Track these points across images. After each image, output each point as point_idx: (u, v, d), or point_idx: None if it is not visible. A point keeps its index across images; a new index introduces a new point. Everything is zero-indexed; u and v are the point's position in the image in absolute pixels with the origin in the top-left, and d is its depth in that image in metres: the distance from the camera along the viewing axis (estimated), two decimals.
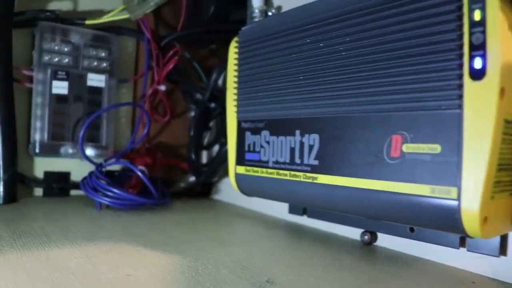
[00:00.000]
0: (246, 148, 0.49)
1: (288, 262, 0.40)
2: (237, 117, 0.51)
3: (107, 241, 0.43)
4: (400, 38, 0.34)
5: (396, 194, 0.34)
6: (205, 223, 0.55)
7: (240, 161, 0.50)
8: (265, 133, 0.47)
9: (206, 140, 0.72)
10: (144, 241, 0.44)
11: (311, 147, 0.42)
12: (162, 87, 0.70)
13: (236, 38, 0.52)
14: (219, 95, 0.68)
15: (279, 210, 0.60)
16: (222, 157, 0.65)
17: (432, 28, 0.32)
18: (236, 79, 0.51)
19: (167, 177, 0.74)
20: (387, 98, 0.35)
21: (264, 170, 0.47)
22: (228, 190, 0.73)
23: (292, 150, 0.44)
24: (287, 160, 0.44)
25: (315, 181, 0.41)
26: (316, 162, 0.41)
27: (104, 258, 0.37)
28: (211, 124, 0.71)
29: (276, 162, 0.45)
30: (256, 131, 0.48)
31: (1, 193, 0.59)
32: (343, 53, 0.39)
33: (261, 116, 0.47)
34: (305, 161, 0.42)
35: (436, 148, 0.32)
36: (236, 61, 0.51)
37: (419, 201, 0.33)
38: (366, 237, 0.46)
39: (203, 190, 0.76)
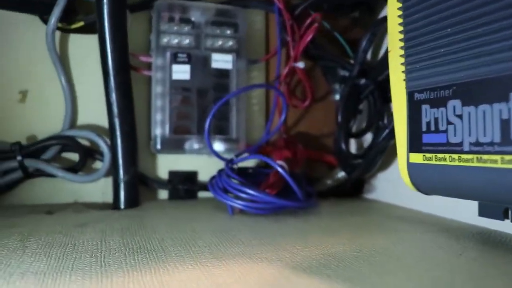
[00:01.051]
0: (424, 128, 0.35)
1: None
2: (407, 87, 0.37)
3: (242, 260, 0.31)
4: None
5: None
6: (367, 231, 0.42)
7: (415, 146, 0.36)
8: (455, 103, 0.33)
9: (354, 127, 0.59)
10: (291, 260, 0.32)
11: None
12: (300, 64, 0.58)
13: None
14: (370, 70, 0.55)
15: (460, 212, 0.45)
16: (380, 146, 0.51)
17: None
18: (401, 36, 0.37)
19: (308, 174, 0.62)
20: None
21: (456, 156, 0.33)
22: (385, 187, 0.59)
23: (505, 123, 0.29)
24: (497, 140, 0.29)
25: None
26: None
27: (237, 287, 0.26)
28: (361, 106, 0.58)
29: (477, 144, 0.31)
30: (439, 103, 0.34)
31: (122, 197, 0.52)
32: None
33: (446, 80, 0.33)
34: None
35: None
36: (400, 12, 0.38)
37: None
38: None
39: (354, 188, 0.63)
